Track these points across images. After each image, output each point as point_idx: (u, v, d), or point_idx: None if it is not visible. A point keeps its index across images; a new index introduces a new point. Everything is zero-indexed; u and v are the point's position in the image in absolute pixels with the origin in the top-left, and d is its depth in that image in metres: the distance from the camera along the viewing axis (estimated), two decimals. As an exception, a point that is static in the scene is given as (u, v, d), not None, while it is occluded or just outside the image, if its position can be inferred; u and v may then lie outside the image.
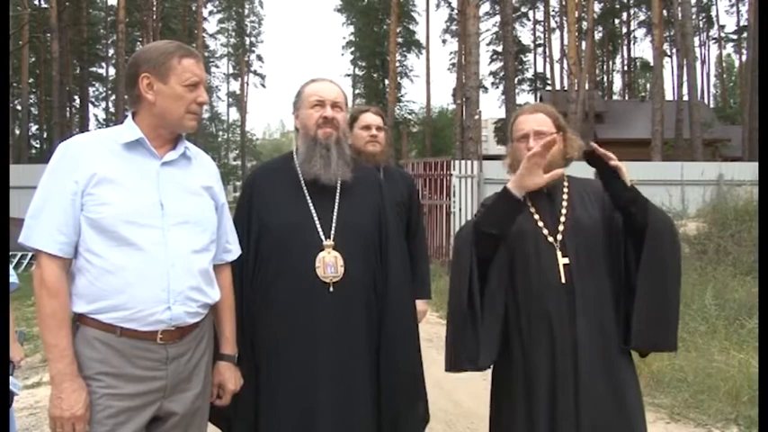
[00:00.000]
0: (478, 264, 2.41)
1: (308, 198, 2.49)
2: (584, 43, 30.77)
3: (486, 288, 2.44)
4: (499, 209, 2.41)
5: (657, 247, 2.37)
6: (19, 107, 31.25)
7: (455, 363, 2.47)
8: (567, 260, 2.45)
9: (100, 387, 1.98)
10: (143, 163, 2.09)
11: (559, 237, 2.49)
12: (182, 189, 2.13)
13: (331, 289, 2.37)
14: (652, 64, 27.56)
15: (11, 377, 2.46)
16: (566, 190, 2.60)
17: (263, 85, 57.19)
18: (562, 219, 2.53)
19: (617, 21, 46.70)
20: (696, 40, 38.09)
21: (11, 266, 2.83)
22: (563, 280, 2.44)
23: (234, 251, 2.38)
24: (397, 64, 39.02)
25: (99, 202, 1.98)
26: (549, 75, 44.86)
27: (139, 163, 2.09)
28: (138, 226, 2.00)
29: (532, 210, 2.52)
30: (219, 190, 2.30)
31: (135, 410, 2.01)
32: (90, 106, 42.27)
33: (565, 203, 2.57)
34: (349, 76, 45.84)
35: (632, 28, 46.83)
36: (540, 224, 2.51)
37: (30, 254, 12.80)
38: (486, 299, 2.43)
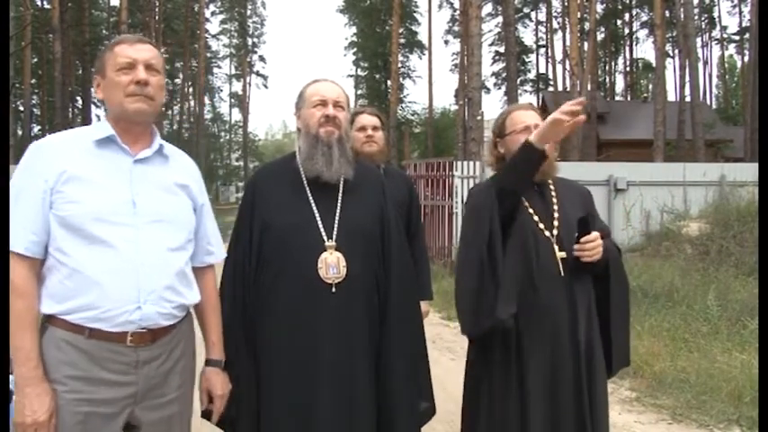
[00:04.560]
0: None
1: (311, 198, 2.48)
2: (586, 44, 30.77)
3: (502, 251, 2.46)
4: (521, 162, 2.42)
5: (619, 294, 2.66)
6: (21, 108, 31.31)
7: (474, 321, 2.47)
8: (564, 254, 2.52)
9: (67, 391, 1.92)
10: (115, 160, 2.06)
11: (555, 231, 2.57)
12: (156, 187, 2.10)
13: (333, 290, 2.36)
14: (654, 65, 27.53)
15: (13, 376, 2.46)
16: (552, 187, 2.69)
17: (266, 86, 57.30)
18: (555, 214, 2.61)
19: (619, 22, 46.68)
20: (698, 40, 38.03)
21: None
22: (562, 273, 2.50)
23: (216, 253, 2.35)
24: (400, 65, 39.02)
25: (68, 200, 1.95)
26: (551, 75, 44.90)
27: (111, 160, 2.05)
28: (108, 224, 1.96)
29: (526, 204, 2.58)
30: (199, 190, 2.26)
31: (105, 418, 1.95)
32: (92, 107, 42.29)
33: (555, 200, 2.66)
34: (351, 76, 45.92)
35: (634, 29, 46.80)
36: (536, 218, 2.58)
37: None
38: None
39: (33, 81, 33.88)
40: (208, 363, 2.31)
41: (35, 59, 35.38)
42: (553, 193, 2.67)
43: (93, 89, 2.14)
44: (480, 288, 2.40)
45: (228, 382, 2.35)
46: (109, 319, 1.94)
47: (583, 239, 2.47)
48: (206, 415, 2.42)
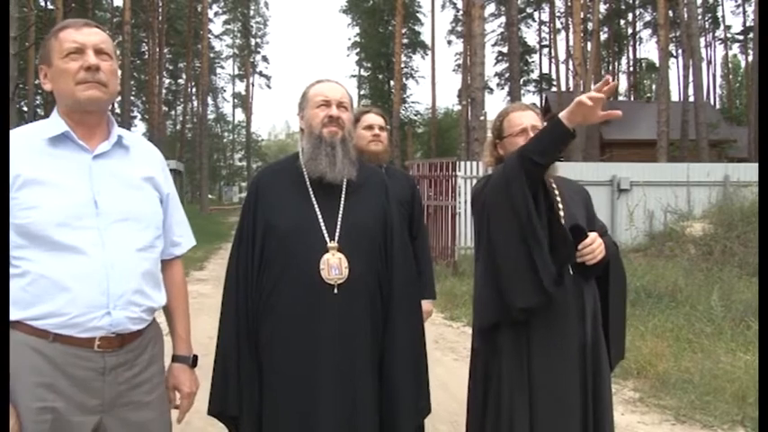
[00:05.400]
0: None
1: (314, 199, 2.48)
2: (589, 44, 30.72)
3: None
4: (549, 137, 2.36)
5: (618, 290, 2.67)
6: (25, 108, 31.37)
7: (531, 289, 2.38)
8: None
9: (32, 400, 1.79)
10: (72, 158, 1.91)
11: None
12: (119, 183, 1.96)
13: (335, 291, 2.36)
14: (658, 65, 27.55)
15: None
16: (554, 186, 2.68)
17: (269, 86, 57.71)
18: (561, 213, 2.60)
19: (622, 21, 46.70)
20: (702, 40, 38.01)
21: None
22: (571, 272, 2.49)
23: (183, 244, 2.24)
24: (403, 65, 39.10)
25: (25, 207, 1.81)
26: (554, 76, 44.90)
27: (68, 159, 1.91)
28: (71, 228, 1.83)
29: None
30: (164, 179, 2.13)
31: (72, 427, 1.84)
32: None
33: (558, 199, 2.64)
34: (354, 77, 46.05)
35: (638, 29, 46.85)
36: None
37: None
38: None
39: (37, 81, 33.93)
40: (175, 359, 2.20)
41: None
42: (556, 192, 2.66)
43: (41, 81, 1.98)
44: (530, 256, 2.34)
45: (196, 380, 2.23)
46: (76, 325, 1.83)
47: (581, 245, 2.46)
48: (210, 412, 2.43)
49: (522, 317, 2.44)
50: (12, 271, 1.83)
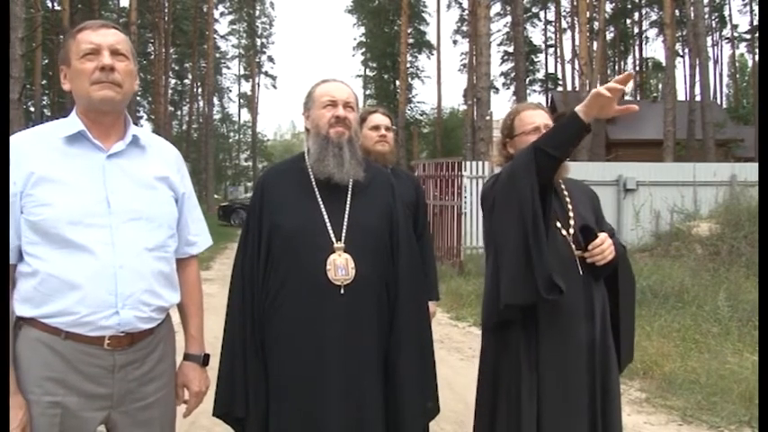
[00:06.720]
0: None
1: (320, 199, 2.48)
2: (595, 43, 30.65)
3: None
4: (565, 131, 2.35)
5: (627, 293, 2.66)
6: (32, 108, 31.48)
7: (516, 290, 2.38)
8: (581, 253, 2.53)
9: (42, 394, 1.85)
10: (87, 157, 1.95)
11: (571, 231, 2.57)
12: (132, 182, 1.99)
13: (342, 291, 2.35)
14: (664, 64, 27.44)
15: None
16: (563, 186, 2.69)
17: (274, 87, 57.46)
18: (570, 214, 2.60)
19: (628, 21, 46.58)
20: (709, 39, 37.80)
21: None
22: (581, 272, 2.47)
23: (199, 243, 2.27)
24: (408, 65, 39.05)
25: (39, 204, 1.85)
26: (560, 75, 44.81)
27: (83, 158, 1.94)
28: (83, 226, 1.86)
29: None
30: (180, 179, 2.16)
31: (81, 421, 1.89)
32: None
33: (568, 200, 2.65)
34: (360, 76, 46.08)
35: (644, 28, 46.69)
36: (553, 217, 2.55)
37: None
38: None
39: (44, 82, 34.08)
40: (186, 357, 2.23)
41: (46, 61, 35.54)
42: (565, 192, 2.67)
43: (61, 80, 2.04)
44: (527, 252, 2.33)
45: (207, 379, 2.26)
46: (85, 324, 1.87)
47: (591, 245, 2.46)
48: (216, 413, 2.43)
49: (508, 315, 2.45)
50: (24, 269, 1.88)
